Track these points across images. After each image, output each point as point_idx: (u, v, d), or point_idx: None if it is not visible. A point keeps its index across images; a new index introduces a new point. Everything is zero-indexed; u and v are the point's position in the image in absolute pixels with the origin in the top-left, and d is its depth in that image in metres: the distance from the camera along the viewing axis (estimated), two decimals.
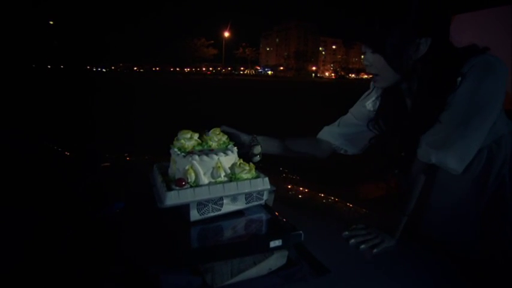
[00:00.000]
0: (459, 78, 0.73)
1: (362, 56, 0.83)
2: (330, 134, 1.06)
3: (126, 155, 1.50)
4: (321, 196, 1.22)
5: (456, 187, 0.83)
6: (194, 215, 0.64)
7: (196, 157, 0.66)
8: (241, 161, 0.71)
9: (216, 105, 9.29)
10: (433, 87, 0.76)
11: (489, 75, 0.71)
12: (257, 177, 0.69)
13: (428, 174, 0.83)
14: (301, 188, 1.30)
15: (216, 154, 0.68)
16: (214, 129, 0.78)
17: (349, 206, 1.13)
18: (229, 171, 0.69)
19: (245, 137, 0.88)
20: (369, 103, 0.98)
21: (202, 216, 0.65)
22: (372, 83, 0.99)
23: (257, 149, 0.86)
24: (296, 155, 1.04)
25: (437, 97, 0.76)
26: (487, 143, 0.77)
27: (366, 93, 1.01)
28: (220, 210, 0.66)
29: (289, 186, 1.33)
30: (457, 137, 0.73)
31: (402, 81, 0.81)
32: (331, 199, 1.18)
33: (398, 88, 0.85)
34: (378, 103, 0.96)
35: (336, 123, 1.07)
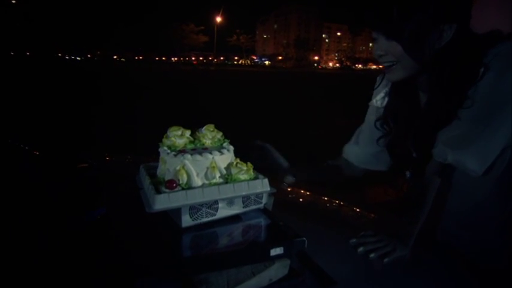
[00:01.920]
0: (481, 70, 0.72)
1: (370, 44, 0.82)
2: (355, 156, 1.06)
3: (106, 154, 1.49)
4: (324, 200, 1.23)
5: (476, 190, 0.83)
6: (186, 220, 0.64)
7: (189, 156, 0.67)
8: (238, 160, 0.72)
9: (210, 100, 9.28)
10: (452, 80, 0.75)
11: None
12: (255, 178, 0.70)
13: (444, 176, 0.83)
14: (302, 191, 1.31)
15: (211, 153, 0.68)
16: (208, 125, 0.78)
17: (356, 210, 1.14)
18: (225, 171, 0.70)
19: (282, 161, 0.88)
20: (377, 99, 0.98)
21: (195, 222, 0.65)
22: (378, 77, 0.99)
23: (288, 179, 0.88)
24: (333, 179, 1.05)
25: (456, 90, 0.75)
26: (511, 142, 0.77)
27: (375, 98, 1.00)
28: (215, 215, 0.67)
29: (289, 189, 1.34)
30: (477, 135, 0.73)
31: (421, 73, 0.80)
32: (335, 203, 1.19)
33: (413, 81, 0.85)
34: (386, 99, 0.96)
35: (355, 139, 1.07)
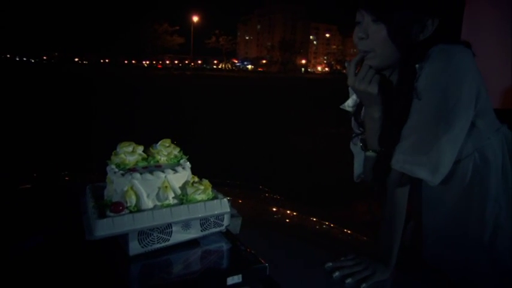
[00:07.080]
0: (418, 71, 0.79)
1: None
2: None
3: (65, 173, 1.46)
4: (313, 221, 1.24)
5: (447, 205, 0.87)
6: (134, 247, 0.64)
7: (138, 175, 0.67)
8: (196, 179, 0.73)
9: (189, 109, 9.26)
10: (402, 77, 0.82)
11: (445, 67, 0.77)
12: (214, 198, 0.71)
13: (412, 187, 0.87)
14: (288, 211, 1.32)
15: (163, 171, 0.69)
16: (164, 140, 0.79)
17: (347, 232, 1.16)
18: (179, 192, 0.70)
19: None
20: (349, 103, 1.02)
21: (146, 249, 0.65)
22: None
23: None
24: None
25: (404, 88, 0.81)
26: (469, 151, 0.82)
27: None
28: (168, 240, 0.67)
29: (274, 209, 1.35)
30: (424, 143, 0.78)
31: (394, 64, 0.85)
32: (325, 224, 1.20)
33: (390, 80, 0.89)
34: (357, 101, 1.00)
35: None
